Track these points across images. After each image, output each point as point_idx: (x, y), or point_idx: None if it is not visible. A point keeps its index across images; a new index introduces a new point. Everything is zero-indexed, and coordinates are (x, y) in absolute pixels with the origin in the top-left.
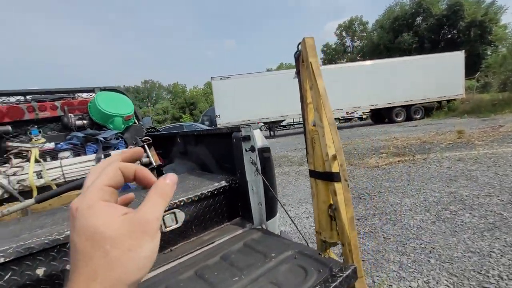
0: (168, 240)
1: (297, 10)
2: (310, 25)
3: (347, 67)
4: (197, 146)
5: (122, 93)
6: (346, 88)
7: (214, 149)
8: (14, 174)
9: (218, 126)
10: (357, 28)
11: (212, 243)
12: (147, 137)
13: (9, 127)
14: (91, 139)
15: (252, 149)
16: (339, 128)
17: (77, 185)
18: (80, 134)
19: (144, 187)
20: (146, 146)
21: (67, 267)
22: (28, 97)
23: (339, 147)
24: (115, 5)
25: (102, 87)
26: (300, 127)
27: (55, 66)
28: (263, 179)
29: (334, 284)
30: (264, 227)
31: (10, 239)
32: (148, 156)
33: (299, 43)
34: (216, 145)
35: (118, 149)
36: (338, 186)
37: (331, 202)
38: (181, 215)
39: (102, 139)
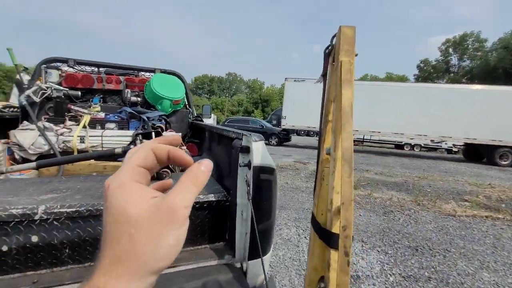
0: None
1: (398, 19)
2: (410, 37)
3: (449, 89)
4: (217, 145)
5: (180, 78)
6: (439, 112)
7: (222, 153)
8: (62, 134)
9: (282, 127)
10: (470, 46)
11: (176, 265)
12: (160, 126)
13: (79, 93)
14: (136, 116)
15: (248, 165)
16: (417, 156)
17: (97, 154)
18: (128, 109)
19: (180, 166)
20: (152, 132)
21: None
22: (101, 69)
23: (349, 199)
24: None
25: (163, 69)
26: (372, 145)
27: (164, 53)
28: (251, 206)
29: None
30: (244, 267)
31: None
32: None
33: (334, 36)
34: (225, 148)
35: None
36: (333, 256)
37: (323, 274)
38: None
39: (145, 118)
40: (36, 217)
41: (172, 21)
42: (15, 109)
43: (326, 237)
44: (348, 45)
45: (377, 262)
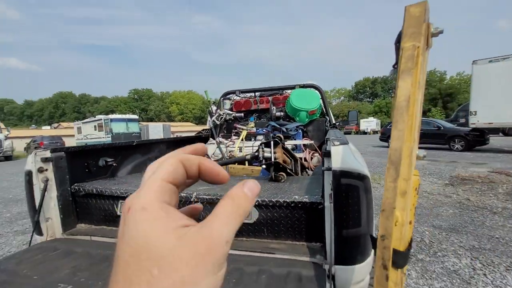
0: (241, 231)
1: None
2: None
3: None
4: None
5: (317, 89)
6: None
7: None
8: (228, 146)
9: (471, 126)
10: None
11: (272, 253)
12: (279, 136)
13: (242, 114)
14: (277, 128)
15: (329, 168)
16: None
17: (230, 161)
18: (272, 123)
19: (211, 182)
20: (272, 142)
21: None
22: (257, 93)
23: (391, 206)
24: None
25: (302, 84)
26: None
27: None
28: (331, 209)
29: None
30: (332, 270)
31: None
32: (270, 152)
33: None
34: None
35: (294, 139)
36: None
37: None
38: (255, 213)
39: (285, 129)
40: (192, 199)
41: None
42: (208, 130)
43: (373, 242)
44: (414, 27)
45: None
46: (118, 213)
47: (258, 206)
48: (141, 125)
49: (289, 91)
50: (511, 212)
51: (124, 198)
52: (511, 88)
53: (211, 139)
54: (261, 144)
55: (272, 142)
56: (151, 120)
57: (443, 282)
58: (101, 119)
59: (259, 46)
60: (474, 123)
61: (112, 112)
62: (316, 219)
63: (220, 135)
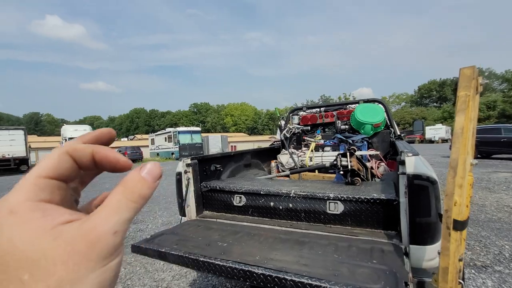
0: (329, 219)
1: None
2: None
3: None
4: None
5: (381, 103)
6: None
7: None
8: (300, 156)
9: None
10: None
11: (356, 236)
12: (353, 147)
13: (309, 128)
14: (344, 140)
15: (403, 173)
16: None
17: (311, 168)
18: (339, 136)
19: (112, 171)
20: (348, 153)
21: None
22: (322, 108)
23: (451, 192)
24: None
25: (366, 99)
26: None
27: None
28: (407, 203)
29: None
30: (406, 249)
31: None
32: (347, 160)
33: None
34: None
35: (360, 150)
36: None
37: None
38: (340, 206)
39: (351, 141)
40: (291, 195)
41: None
42: (278, 142)
43: (440, 217)
44: (466, 82)
45: None
46: (235, 203)
47: (343, 200)
48: (202, 136)
49: (353, 105)
50: None
51: (237, 193)
52: None
53: (283, 150)
54: (338, 154)
55: (348, 153)
56: (208, 131)
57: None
58: (170, 132)
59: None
60: None
61: (176, 125)
62: (391, 212)
63: (291, 147)
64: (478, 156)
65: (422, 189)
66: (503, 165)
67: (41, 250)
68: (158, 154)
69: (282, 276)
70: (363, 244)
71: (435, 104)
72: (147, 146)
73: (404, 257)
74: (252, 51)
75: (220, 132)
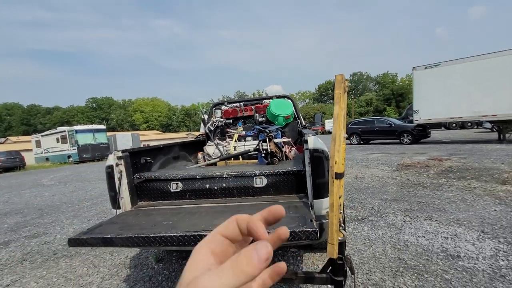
0: (256, 191)
1: None
2: None
3: None
4: None
5: (290, 99)
6: None
7: None
8: (225, 146)
9: (415, 122)
10: None
11: (277, 200)
12: (271, 135)
13: (231, 121)
14: (262, 131)
15: (307, 149)
16: None
17: (239, 154)
18: (257, 127)
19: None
20: (267, 138)
21: None
22: (241, 103)
23: (335, 150)
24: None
25: (278, 95)
26: None
27: (287, 68)
28: (310, 171)
29: (296, 230)
30: (311, 203)
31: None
32: (267, 145)
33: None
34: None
35: (275, 138)
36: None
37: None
38: (264, 180)
39: (268, 131)
40: (224, 176)
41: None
42: (203, 135)
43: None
44: (339, 83)
45: (491, 249)
46: (172, 190)
47: (266, 175)
48: (108, 135)
49: (267, 101)
50: (436, 185)
51: (173, 180)
52: (443, 89)
53: (209, 141)
54: (260, 140)
55: (267, 139)
56: (114, 129)
57: (384, 230)
58: (64, 131)
59: (226, 51)
60: (417, 120)
61: (69, 123)
62: (300, 179)
63: (216, 138)
64: (361, 142)
65: (319, 159)
66: (376, 148)
67: (182, 283)
68: (47, 158)
69: None
70: (283, 205)
71: (331, 101)
72: (31, 149)
73: (310, 208)
74: (162, 40)
75: (128, 130)
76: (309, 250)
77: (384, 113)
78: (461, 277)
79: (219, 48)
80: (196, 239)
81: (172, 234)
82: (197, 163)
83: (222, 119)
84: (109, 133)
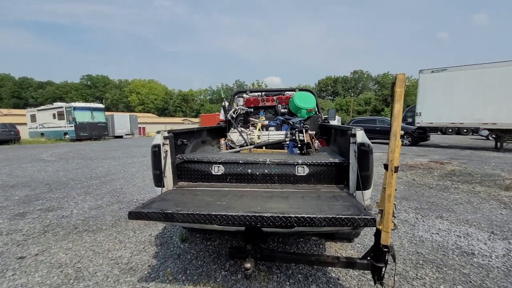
0: (297, 179)
1: None
2: None
3: None
4: (337, 136)
5: (312, 93)
6: None
7: (341, 140)
8: (249, 134)
9: (417, 125)
10: None
11: (319, 190)
12: (306, 125)
13: (252, 109)
14: (285, 122)
15: (355, 142)
16: None
17: (268, 143)
18: (280, 118)
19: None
20: (303, 129)
21: None
22: (263, 93)
23: (395, 148)
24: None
25: (300, 88)
26: None
27: (289, 61)
28: (357, 163)
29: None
30: (354, 194)
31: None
32: (303, 136)
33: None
34: (342, 137)
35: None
36: (389, 174)
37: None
38: (306, 169)
39: (291, 122)
40: (267, 162)
41: (293, 29)
42: (224, 122)
43: (385, 166)
44: (401, 82)
45: (502, 249)
46: (213, 173)
47: (308, 165)
48: (106, 115)
49: (289, 92)
50: (442, 187)
51: (216, 163)
52: (448, 94)
53: (232, 128)
54: (296, 130)
55: (303, 130)
56: (108, 109)
57: (399, 225)
58: (61, 107)
59: (227, 38)
60: (419, 122)
61: (62, 99)
62: (341, 171)
63: (239, 126)
64: None
65: (366, 153)
66: (377, 147)
67: None
68: (42, 134)
69: (288, 215)
70: (327, 194)
71: (330, 97)
72: (24, 123)
73: (353, 199)
74: (161, 21)
75: (123, 111)
76: (330, 240)
77: (382, 113)
78: (478, 272)
79: (220, 34)
80: (257, 220)
81: (234, 214)
82: (220, 149)
83: (244, 108)
84: (107, 113)
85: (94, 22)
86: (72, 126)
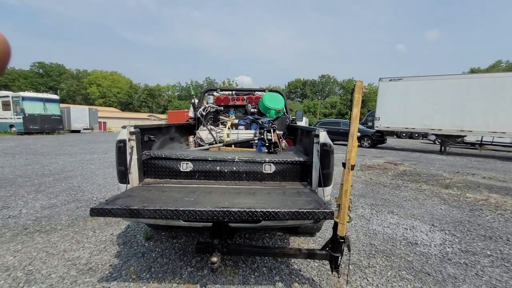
0: (264, 177)
1: None
2: None
3: None
4: (303, 137)
5: (281, 94)
6: None
7: (306, 140)
8: (219, 132)
9: (376, 128)
10: None
11: (284, 186)
12: (274, 125)
13: (221, 108)
14: (255, 121)
15: (318, 142)
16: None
17: (237, 142)
18: (250, 117)
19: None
20: (272, 129)
21: None
22: (233, 92)
23: (351, 149)
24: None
25: (270, 89)
26: (491, 148)
27: (260, 61)
28: (319, 162)
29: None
30: (316, 190)
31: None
32: (271, 135)
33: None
34: (307, 138)
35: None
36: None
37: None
38: (273, 167)
39: (260, 122)
40: (236, 160)
41: (264, 31)
42: (193, 120)
43: (343, 165)
44: (359, 88)
45: (440, 238)
46: (181, 169)
47: (275, 163)
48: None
49: (259, 92)
50: (394, 186)
51: (184, 160)
52: (403, 101)
53: (201, 126)
54: (264, 130)
55: (271, 130)
56: (64, 101)
57: (356, 220)
58: (8, 96)
59: (197, 33)
60: (378, 126)
61: (7, 87)
62: (305, 169)
63: (208, 124)
64: None
65: (327, 152)
66: (340, 148)
67: None
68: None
69: (254, 210)
70: (291, 190)
71: (298, 99)
72: None
73: (315, 195)
74: (126, 8)
75: (81, 103)
76: (294, 234)
77: (346, 116)
78: (419, 259)
79: (190, 29)
80: (225, 215)
81: (201, 209)
82: (188, 146)
83: (214, 106)
84: (62, 105)
85: (45, 3)
86: (20, 118)
